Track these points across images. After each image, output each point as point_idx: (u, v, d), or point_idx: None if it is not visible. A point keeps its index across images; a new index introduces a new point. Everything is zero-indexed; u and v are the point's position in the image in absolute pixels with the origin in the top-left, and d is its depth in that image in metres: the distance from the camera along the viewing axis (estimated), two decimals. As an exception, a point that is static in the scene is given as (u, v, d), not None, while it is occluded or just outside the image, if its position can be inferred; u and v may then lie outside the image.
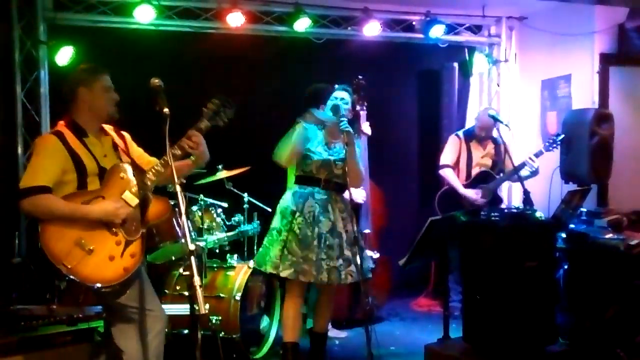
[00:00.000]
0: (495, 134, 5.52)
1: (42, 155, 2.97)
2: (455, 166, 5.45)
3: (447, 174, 5.41)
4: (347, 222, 3.95)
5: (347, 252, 3.88)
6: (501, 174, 5.37)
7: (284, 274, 3.84)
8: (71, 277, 2.83)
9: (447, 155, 5.48)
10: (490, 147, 5.48)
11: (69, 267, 2.83)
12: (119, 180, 3.04)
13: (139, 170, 3.11)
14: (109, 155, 3.13)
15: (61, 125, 3.09)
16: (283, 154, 3.92)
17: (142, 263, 3.22)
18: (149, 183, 3.07)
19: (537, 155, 5.07)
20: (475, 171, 5.40)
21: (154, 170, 3.06)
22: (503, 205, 6.29)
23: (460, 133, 5.57)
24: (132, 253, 2.99)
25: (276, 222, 4.00)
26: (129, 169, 3.10)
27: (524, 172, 5.02)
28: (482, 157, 5.46)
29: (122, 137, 3.29)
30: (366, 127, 4.89)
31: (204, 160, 3.26)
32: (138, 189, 3.04)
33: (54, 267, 2.82)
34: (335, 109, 3.87)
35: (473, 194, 5.27)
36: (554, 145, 5.06)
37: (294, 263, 3.82)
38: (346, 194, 4.53)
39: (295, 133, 3.91)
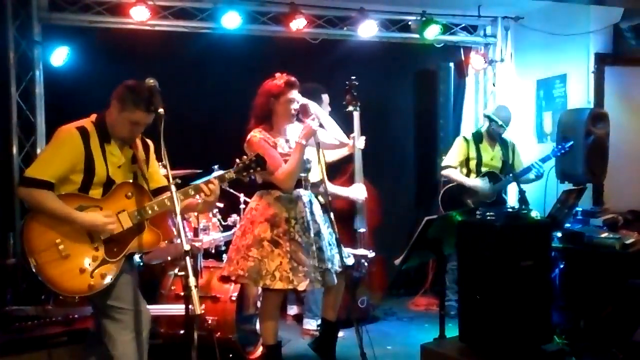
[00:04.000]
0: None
1: (58, 149, 2.93)
2: (465, 168, 5.38)
3: (451, 172, 5.35)
4: (324, 217, 3.93)
5: (330, 251, 3.86)
6: (509, 175, 5.25)
7: (301, 287, 3.67)
8: (35, 273, 2.83)
9: (452, 157, 5.40)
10: (498, 149, 5.36)
11: (38, 263, 2.83)
12: (123, 198, 3.01)
13: (145, 196, 3.05)
14: (125, 167, 3.08)
15: (90, 121, 3.03)
16: (291, 182, 3.73)
17: (136, 268, 3.19)
18: (149, 212, 3.01)
19: (543, 160, 5.05)
20: (483, 172, 5.32)
21: (155, 205, 3.00)
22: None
23: (469, 135, 5.51)
24: (104, 273, 2.92)
25: (262, 232, 3.72)
26: (137, 190, 3.05)
27: (530, 175, 5.08)
28: (491, 159, 5.36)
29: (147, 148, 3.21)
30: (361, 143, 4.79)
31: (210, 209, 3.19)
32: (136, 214, 3.00)
33: (26, 258, 2.83)
34: (305, 109, 3.76)
35: (480, 182, 5.23)
36: (562, 151, 4.99)
37: (307, 273, 3.69)
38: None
39: (300, 158, 3.71)
